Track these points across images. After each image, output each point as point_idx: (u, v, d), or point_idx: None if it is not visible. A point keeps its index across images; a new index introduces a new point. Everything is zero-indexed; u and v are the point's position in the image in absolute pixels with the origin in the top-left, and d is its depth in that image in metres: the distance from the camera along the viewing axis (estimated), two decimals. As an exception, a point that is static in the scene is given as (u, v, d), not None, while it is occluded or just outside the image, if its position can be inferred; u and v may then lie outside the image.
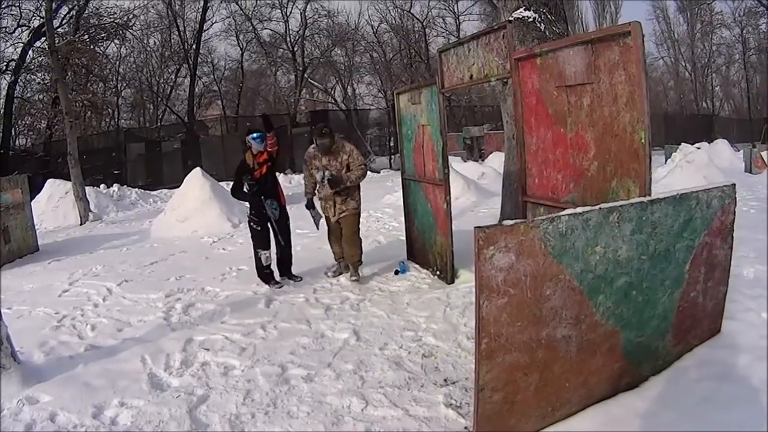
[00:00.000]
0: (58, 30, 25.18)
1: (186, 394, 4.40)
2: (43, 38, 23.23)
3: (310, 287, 7.21)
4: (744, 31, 42.97)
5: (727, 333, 4.37)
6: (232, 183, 7.45)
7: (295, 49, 36.52)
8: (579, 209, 3.15)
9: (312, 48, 37.68)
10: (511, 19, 7.19)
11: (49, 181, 17.46)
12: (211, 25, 36.03)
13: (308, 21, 36.28)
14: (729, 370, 3.87)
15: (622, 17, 44.18)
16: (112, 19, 28.47)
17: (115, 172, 25.94)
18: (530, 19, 7.51)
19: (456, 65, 6.37)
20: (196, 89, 35.79)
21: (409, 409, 3.95)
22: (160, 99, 35.04)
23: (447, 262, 6.98)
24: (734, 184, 4.04)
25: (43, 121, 29.10)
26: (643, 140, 3.86)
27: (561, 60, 4.56)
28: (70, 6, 26.79)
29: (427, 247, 7.61)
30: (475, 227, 2.85)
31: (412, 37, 39.06)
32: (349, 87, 40.97)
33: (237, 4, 35.23)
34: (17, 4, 25.65)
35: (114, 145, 28.66)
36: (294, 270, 7.67)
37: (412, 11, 38.94)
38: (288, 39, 36.81)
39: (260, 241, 7.33)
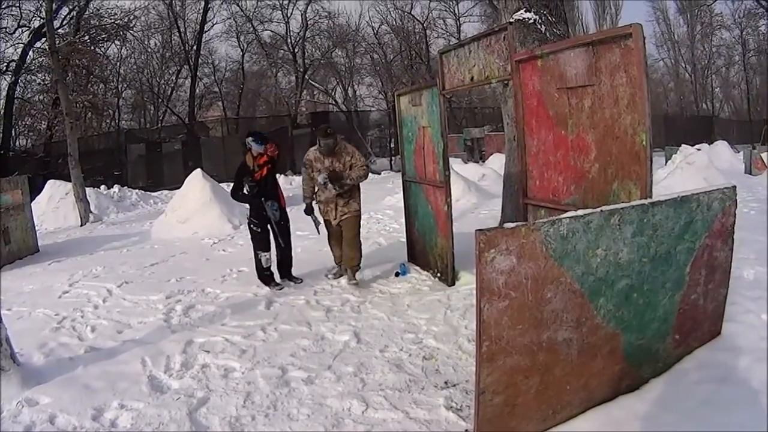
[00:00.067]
0: (59, 31, 25.22)
1: (186, 396, 4.39)
2: (44, 39, 23.23)
3: (310, 289, 7.20)
4: (744, 33, 42.98)
5: (728, 335, 4.36)
6: (232, 185, 7.44)
7: (296, 50, 36.58)
8: (580, 212, 3.15)
9: (313, 49, 37.73)
10: (511, 20, 7.20)
11: (50, 182, 17.44)
12: (212, 27, 36.12)
13: (309, 22, 36.39)
14: (729, 372, 3.86)
15: (622, 19, 44.36)
16: (112, 20, 28.52)
17: (116, 173, 25.91)
18: (531, 21, 7.52)
19: (457, 67, 6.37)
20: (197, 90, 35.82)
21: (409, 412, 3.95)
22: (160, 100, 35.05)
23: (448, 264, 6.97)
24: (735, 186, 4.04)
25: (43, 122, 29.13)
26: (644, 142, 3.86)
27: (562, 62, 4.55)
28: (71, 7, 26.81)
29: (427, 249, 7.61)
30: (476, 230, 2.85)
31: (413, 38, 39.10)
32: (349, 88, 40.98)
33: (238, 5, 35.32)
34: (17, 5, 25.68)
35: (114, 146, 28.65)
36: (294, 272, 7.66)
37: (412, 13, 39.03)
38: (289, 40, 36.88)
39: (260, 243, 7.33)
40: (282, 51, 37.61)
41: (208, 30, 35.46)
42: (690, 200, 3.63)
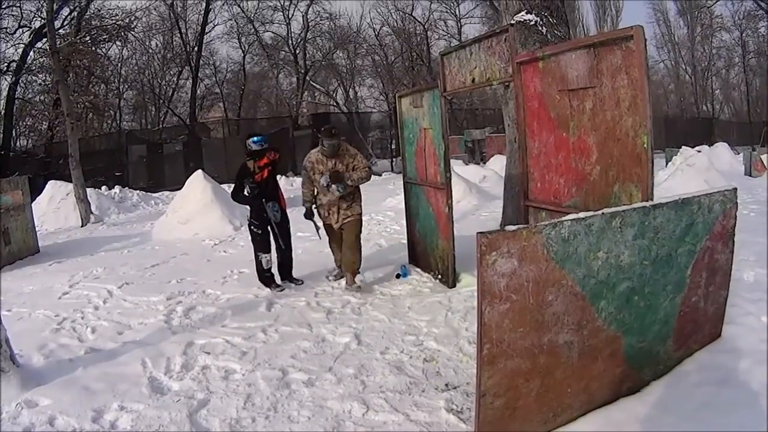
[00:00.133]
0: (60, 31, 25.29)
1: (186, 398, 4.39)
2: (45, 39, 23.29)
3: (311, 291, 7.19)
4: (743, 35, 43.09)
5: (728, 337, 4.36)
6: (233, 186, 7.43)
7: (297, 51, 36.64)
8: (582, 214, 3.14)
9: (314, 51, 37.84)
10: (513, 22, 7.19)
11: (50, 183, 17.47)
12: (213, 28, 36.19)
13: (310, 24, 36.43)
14: (729, 374, 3.86)
15: (623, 20, 44.41)
16: (113, 21, 28.57)
17: (117, 173, 25.93)
18: (532, 23, 7.52)
19: (458, 68, 6.36)
20: (198, 91, 35.91)
21: (410, 414, 3.94)
22: (161, 101, 35.09)
23: (448, 266, 6.96)
24: (735, 189, 4.04)
25: (44, 123, 29.16)
26: (645, 144, 3.86)
27: (563, 64, 4.55)
28: (72, 7, 26.84)
29: (428, 251, 7.60)
30: (478, 232, 2.84)
31: (414, 40, 39.12)
32: (350, 90, 40.99)
33: (239, 6, 35.40)
34: (18, 5, 25.71)
35: (116, 146, 28.68)
36: (295, 273, 7.66)
37: (413, 14, 39.06)
38: (290, 41, 36.96)
39: (261, 245, 7.32)
40: (283, 52, 37.68)
41: (210, 31, 35.62)
42: (691, 203, 3.62)
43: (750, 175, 18.10)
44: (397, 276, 7.60)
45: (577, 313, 3.25)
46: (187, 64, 34.47)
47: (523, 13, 7.60)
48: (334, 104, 38.80)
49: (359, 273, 7.36)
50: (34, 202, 13.49)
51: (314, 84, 38.87)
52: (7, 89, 27.10)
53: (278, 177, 7.71)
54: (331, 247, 7.69)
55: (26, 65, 26.70)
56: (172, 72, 35.73)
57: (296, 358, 5.06)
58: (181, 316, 6.46)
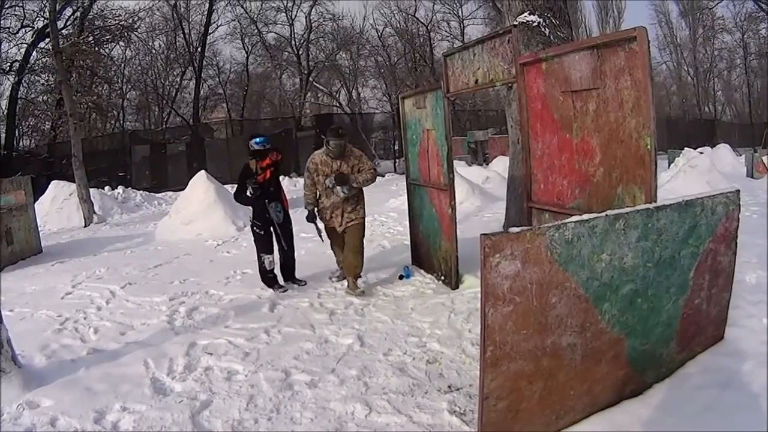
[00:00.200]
0: (63, 31, 25.32)
1: (189, 399, 4.39)
2: (47, 39, 23.33)
3: (314, 292, 7.19)
4: (745, 36, 43.07)
5: (730, 339, 4.35)
6: (236, 186, 7.42)
7: (300, 52, 36.68)
8: (585, 216, 3.13)
9: (317, 51, 37.83)
10: (515, 23, 7.17)
11: (53, 183, 17.52)
12: (217, 28, 36.25)
13: (313, 24, 36.46)
14: (731, 377, 3.85)
15: (625, 21, 44.45)
16: (116, 21, 28.62)
17: (120, 174, 26.00)
18: (535, 24, 7.50)
19: (461, 70, 6.36)
20: (201, 92, 35.90)
21: (412, 416, 3.94)
22: (165, 101, 35.13)
23: (451, 268, 6.95)
24: (738, 191, 4.02)
25: (47, 123, 29.22)
26: (648, 146, 3.85)
27: (566, 65, 4.55)
28: (75, 7, 26.86)
29: (431, 252, 7.59)
30: (482, 234, 2.84)
31: (417, 41, 39.09)
32: (353, 90, 40.94)
33: (242, 7, 35.44)
34: (21, 5, 25.77)
35: (119, 147, 28.75)
36: (298, 274, 7.66)
37: (416, 15, 39.02)
38: (293, 42, 36.99)
39: (263, 246, 7.33)
40: (286, 53, 37.75)
41: (213, 32, 35.67)
42: (694, 204, 3.61)
43: (752, 177, 18.06)
44: (400, 277, 7.60)
45: (581, 316, 3.24)
46: (190, 64, 34.53)
47: (525, 14, 7.59)
48: (337, 105, 38.78)
49: (361, 276, 7.30)
50: (37, 202, 13.54)
51: (317, 85, 38.90)
52: (10, 89, 27.21)
53: (281, 178, 7.69)
54: (333, 249, 7.65)
55: (29, 65, 26.75)
56: (175, 72, 35.82)
57: (299, 360, 5.05)
58: (183, 317, 6.46)
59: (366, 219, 7.42)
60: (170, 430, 3.95)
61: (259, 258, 7.36)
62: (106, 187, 20.03)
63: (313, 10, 36.24)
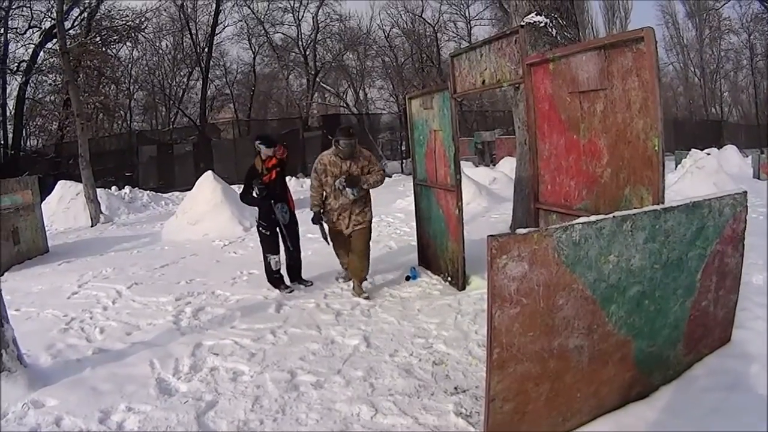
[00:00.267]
0: (70, 32, 25.42)
1: (194, 399, 4.38)
2: (55, 40, 23.42)
3: (320, 292, 7.19)
4: (751, 37, 42.88)
5: (738, 341, 4.32)
6: (242, 187, 7.42)
7: (307, 53, 36.70)
8: (593, 217, 3.12)
9: (324, 52, 37.85)
10: (522, 24, 7.16)
11: (60, 183, 17.58)
12: (224, 29, 36.25)
13: (320, 25, 36.45)
14: (738, 379, 3.83)
15: (632, 22, 44.36)
16: (123, 22, 28.71)
17: (127, 174, 26.04)
18: (542, 24, 7.49)
19: (468, 70, 6.35)
20: (209, 92, 35.96)
21: (418, 418, 3.92)
22: (172, 102, 35.17)
23: (458, 269, 6.94)
24: (745, 192, 4.00)
25: (54, 123, 29.35)
26: (656, 147, 3.83)
27: (574, 65, 4.53)
28: (82, 8, 26.95)
29: (438, 253, 7.58)
30: (488, 236, 2.82)
31: (424, 41, 39.04)
32: (360, 91, 40.95)
33: (249, 7, 35.47)
34: (28, 5, 25.88)
35: (126, 147, 28.81)
36: (304, 275, 7.66)
37: (423, 16, 39.02)
38: (300, 43, 37.02)
39: (269, 246, 7.32)
40: (293, 53, 37.76)
41: (220, 32, 35.65)
42: (702, 206, 3.59)
43: (758, 178, 17.99)
44: (407, 278, 7.59)
45: (588, 317, 3.22)
46: (197, 65, 34.55)
47: (532, 14, 7.58)
48: (345, 105, 38.78)
49: (366, 279, 7.27)
50: (43, 202, 13.60)
51: (324, 85, 38.93)
52: (17, 89, 27.31)
53: (287, 178, 7.68)
54: (337, 252, 7.54)
55: (36, 65, 26.88)
56: (182, 73, 35.87)
57: (305, 360, 5.05)
58: (189, 317, 6.47)
59: (372, 220, 7.38)
60: (175, 431, 3.95)
61: (265, 258, 7.36)
62: (113, 187, 20.05)
63: (320, 10, 36.28)
